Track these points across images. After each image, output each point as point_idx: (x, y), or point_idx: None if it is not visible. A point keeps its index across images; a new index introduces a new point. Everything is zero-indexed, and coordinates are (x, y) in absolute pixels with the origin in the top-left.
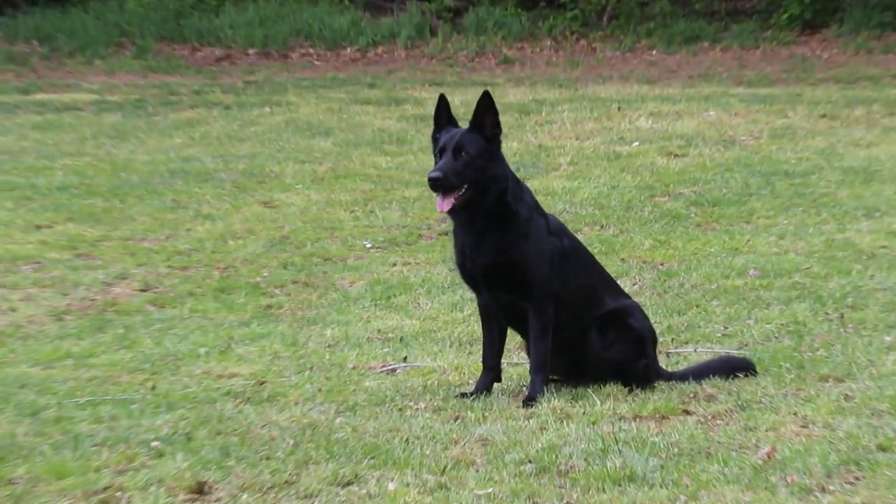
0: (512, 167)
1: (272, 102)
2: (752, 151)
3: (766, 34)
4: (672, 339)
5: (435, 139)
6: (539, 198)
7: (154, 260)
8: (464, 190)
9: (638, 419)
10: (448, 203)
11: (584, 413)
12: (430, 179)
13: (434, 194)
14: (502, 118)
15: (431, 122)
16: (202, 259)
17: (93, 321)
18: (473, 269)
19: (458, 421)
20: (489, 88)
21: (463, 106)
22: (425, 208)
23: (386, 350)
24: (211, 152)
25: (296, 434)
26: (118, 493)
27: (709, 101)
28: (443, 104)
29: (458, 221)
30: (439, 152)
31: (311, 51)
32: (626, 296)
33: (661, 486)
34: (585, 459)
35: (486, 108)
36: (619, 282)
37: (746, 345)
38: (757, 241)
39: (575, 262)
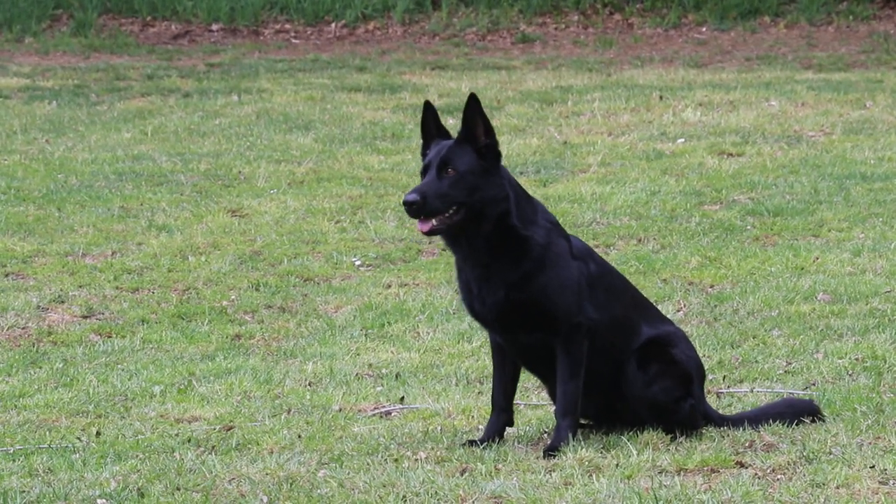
0: (531, 168)
1: (241, 89)
2: (823, 150)
3: (840, 7)
4: (724, 377)
5: (424, 156)
6: (563, 206)
7: (98, 280)
8: (451, 212)
9: (682, 473)
10: (428, 224)
11: (617, 465)
12: (404, 203)
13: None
14: (520, 108)
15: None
16: (156, 279)
17: (24, 354)
18: (484, 310)
19: (466, 474)
20: (504, 73)
21: None
22: None
23: (379, 389)
24: (167, 150)
25: (270, 490)
26: None
27: (770, 88)
28: (429, 114)
29: (459, 253)
30: (423, 170)
31: (287, 26)
32: (669, 322)
33: None
34: None
35: (475, 114)
36: (659, 307)
37: (814, 384)
38: (827, 258)
39: (605, 291)
